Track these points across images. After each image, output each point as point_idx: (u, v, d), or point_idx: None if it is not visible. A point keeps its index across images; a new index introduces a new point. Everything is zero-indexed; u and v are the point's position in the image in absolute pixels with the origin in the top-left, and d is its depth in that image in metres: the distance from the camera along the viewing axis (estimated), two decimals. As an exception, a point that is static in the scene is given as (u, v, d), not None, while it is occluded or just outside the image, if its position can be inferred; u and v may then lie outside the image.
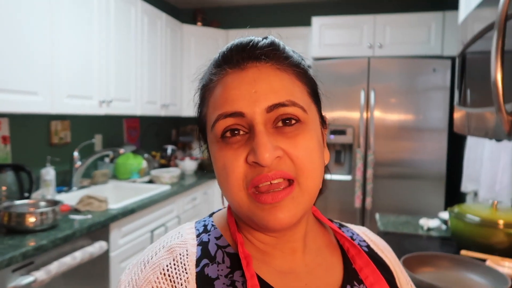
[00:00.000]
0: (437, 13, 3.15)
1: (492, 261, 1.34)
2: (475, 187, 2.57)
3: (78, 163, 2.63)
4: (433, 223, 1.90)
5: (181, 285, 0.50)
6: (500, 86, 0.72)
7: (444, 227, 1.91)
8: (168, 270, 0.51)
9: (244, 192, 0.50)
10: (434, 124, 2.95)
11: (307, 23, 3.62)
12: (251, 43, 0.53)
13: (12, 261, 1.45)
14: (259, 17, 4.04)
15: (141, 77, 2.98)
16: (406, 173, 3.02)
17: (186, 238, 0.55)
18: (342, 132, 3.06)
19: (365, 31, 3.30)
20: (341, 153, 3.19)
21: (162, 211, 2.66)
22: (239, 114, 0.49)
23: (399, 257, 0.69)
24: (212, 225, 0.58)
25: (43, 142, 2.50)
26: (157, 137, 4.00)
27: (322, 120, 0.58)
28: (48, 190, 2.27)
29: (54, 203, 1.91)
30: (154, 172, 3.09)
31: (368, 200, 3.00)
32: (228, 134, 0.50)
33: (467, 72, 1.24)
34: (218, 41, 3.85)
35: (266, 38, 0.55)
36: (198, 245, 0.54)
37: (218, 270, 0.51)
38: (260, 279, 0.52)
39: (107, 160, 3.06)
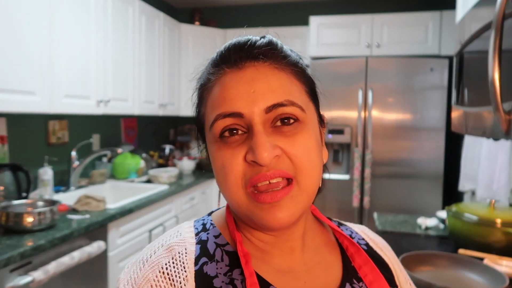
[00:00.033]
0: (435, 12, 3.16)
1: (490, 260, 1.34)
2: (472, 186, 2.58)
3: (76, 163, 2.62)
4: (431, 222, 1.91)
5: (180, 283, 0.50)
6: (498, 85, 0.72)
7: (442, 226, 1.92)
8: (167, 268, 0.51)
9: (242, 191, 0.50)
10: (432, 123, 2.96)
11: (305, 22, 3.62)
12: (249, 43, 0.53)
13: (10, 261, 1.45)
14: (257, 16, 4.04)
15: (139, 77, 2.97)
16: (404, 172, 3.02)
17: (185, 237, 0.55)
18: (340, 132, 3.06)
19: (362, 30, 3.30)
20: (339, 153, 3.20)
21: (160, 211, 2.66)
22: (237, 115, 0.49)
23: (397, 256, 0.69)
24: (211, 224, 0.58)
25: (41, 142, 2.50)
26: (155, 136, 3.99)
27: (320, 119, 0.58)
28: (46, 190, 2.27)
29: (52, 203, 1.91)
30: (152, 172, 3.09)
31: (366, 200, 3.01)
32: (226, 133, 0.50)
33: (464, 72, 1.24)
34: (216, 40, 3.85)
35: (263, 37, 0.55)
36: (197, 243, 0.54)
37: (217, 268, 0.51)
38: (259, 277, 0.52)
39: (105, 159, 3.06)
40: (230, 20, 4.10)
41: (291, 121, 0.50)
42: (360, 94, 3.00)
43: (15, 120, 2.26)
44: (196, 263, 0.52)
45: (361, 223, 3.03)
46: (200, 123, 0.57)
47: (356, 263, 0.59)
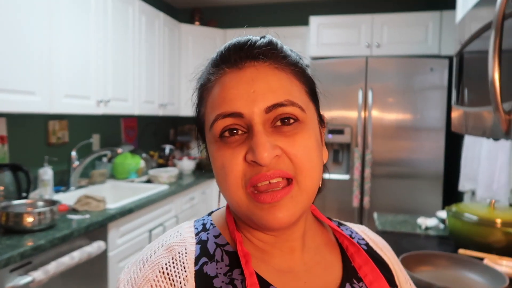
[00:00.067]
0: (435, 12, 3.16)
1: (490, 260, 1.34)
2: (472, 186, 2.58)
3: (76, 163, 2.62)
4: (431, 222, 1.91)
5: (180, 283, 0.50)
6: (498, 85, 0.72)
7: (442, 226, 1.92)
8: (167, 268, 0.51)
9: (242, 191, 0.50)
10: (432, 123, 2.96)
11: (305, 22, 3.62)
12: (249, 43, 0.53)
13: (10, 261, 1.45)
14: (257, 16, 4.04)
15: (139, 77, 2.97)
16: (404, 172, 3.02)
17: (185, 237, 0.55)
18: (340, 132, 3.06)
19: (363, 30, 3.30)
20: (339, 153, 3.20)
21: (160, 211, 2.66)
22: (237, 115, 0.49)
23: (397, 256, 0.69)
24: (211, 224, 0.58)
25: (41, 142, 2.50)
26: (155, 136, 3.99)
27: (320, 119, 0.58)
28: (46, 190, 2.27)
29: (52, 203, 1.91)
30: (152, 172, 3.09)
31: (366, 200, 3.01)
32: (226, 133, 0.50)
33: (464, 72, 1.24)
34: (215, 40, 3.85)
35: (263, 37, 0.55)
36: (197, 243, 0.54)
37: (217, 268, 0.51)
38: (259, 277, 0.52)
39: (105, 159, 3.06)
40: (230, 20, 4.10)
41: (291, 121, 0.50)
42: (360, 94, 3.00)
43: (15, 120, 2.26)
44: (196, 263, 0.52)
45: (361, 223, 3.03)
46: (200, 123, 0.57)
47: (356, 263, 0.59)
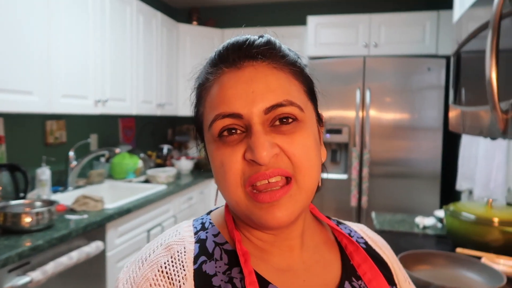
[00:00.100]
0: (432, 12, 3.16)
1: (488, 259, 1.35)
2: (470, 186, 2.59)
3: (74, 163, 2.62)
4: (428, 221, 1.91)
5: (179, 282, 0.50)
6: (495, 84, 0.73)
7: (439, 225, 1.92)
8: (166, 267, 0.51)
9: (241, 190, 0.50)
10: (429, 123, 2.97)
11: (303, 22, 3.62)
12: (247, 42, 0.53)
13: (8, 262, 1.45)
14: (255, 16, 4.04)
15: (137, 77, 2.97)
16: (402, 172, 3.03)
17: (184, 236, 0.55)
18: (338, 131, 3.07)
19: (360, 30, 3.30)
20: (337, 152, 3.20)
21: (158, 211, 2.66)
22: (237, 116, 0.49)
23: (395, 255, 0.69)
24: (210, 223, 0.58)
25: (39, 142, 2.49)
26: (152, 136, 3.99)
27: (319, 118, 0.58)
28: (43, 190, 2.26)
29: (50, 203, 1.90)
30: (150, 172, 3.09)
31: (364, 199, 3.01)
32: (225, 133, 0.50)
33: (462, 71, 1.25)
34: (213, 40, 3.85)
35: (262, 36, 0.55)
36: (195, 242, 0.54)
37: (216, 267, 0.52)
38: (258, 276, 0.52)
39: (102, 159, 3.05)
40: (228, 20, 4.10)
41: (290, 120, 0.50)
42: (358, 93, 3.00)
43: (13, 120, 2.26)
44: (195, 262, 0.52)
45: (359, 222, 3.02)
46: (198, 123, 0.57)
47: (355, 261, 0.59)
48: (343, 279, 0.57)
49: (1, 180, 2.00)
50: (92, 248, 1.88)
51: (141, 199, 2.44)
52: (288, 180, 0.50)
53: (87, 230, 1.88)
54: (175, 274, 0.50)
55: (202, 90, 0.55)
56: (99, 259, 2.01)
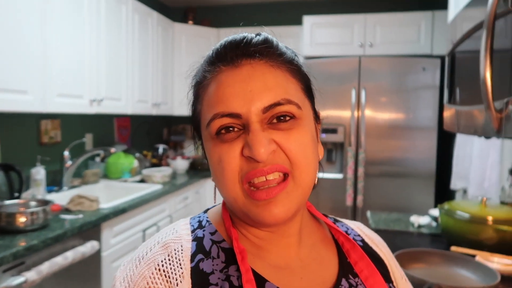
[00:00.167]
0: (427, 12, 3.18)
1: (482, 257, 1.36)
2: (464, 185, 2.61)
3: (69, 163, 2.61)
4: (423, 220, 1.93)
5: (176, 280, 0.50)
6: (489, 84, 0.73)
7: (434, 224, 1.94)
8: (163, 265, 0.51)
9: (239, 186, 0.50)
10: (424, 122, 2.98)
11: (299, 22, 3.63)
12: (244, 40, 0.53)
13: (3, 262, 1.44)
14: (250, 15, 4.04)
15: (132, 76, 2.96)
16: (397, 171, 3.04)
17: (181, 234, 0.55)
18: (333, 131, 3.08)
19: (356, 30, 3.32)
20: (332, 152, 3.21)
21: (154, 211, 2.65)
22: (235, 115, 0.49)
23: (391, 252, 0.70)
24: (207, 221, 0.58)
25: (33, 142, 2.48)
26: (148, 136, 3.98)
27: (316, 115, 0.59)
28: (38, 190, 2.25)
29: (45, 202, 1.89)
30: (146, 172, 3.08)
31: (360, 198, 3.03)
32: (223, 131, 0.50)
33: (456, 71, 1.26)
34: (209, 39, 3.84)
35: (259, 35, 0.55)
36: (193, 240, 0.54)
37: (213, 265, 0.52)
38: (255, 274, 0.52)
39: (98, 159, 3.04)
40: (223, 20, 4.10)
41: (288, 118, 0.50)
42: (353, 93, 3.01)
43: (7, 120, 2.24)
44: (192, 260, 0.52)
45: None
46: (196, 121, 0.57)
47: (352, 259, 0.59)
48: (340, 276, 0.57)
49: (-5, 179, 1.99)
50: (87, 248, 1.87)
51: (137, 198, 2.43)
52: (285, 176, 0.50)
53: (82, 230, 1.87)
54: (172, 272, 0.50)
55: (200, 88, 0.55)
56: (94, 259, 2.01)
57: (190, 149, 4.01)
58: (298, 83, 0.54)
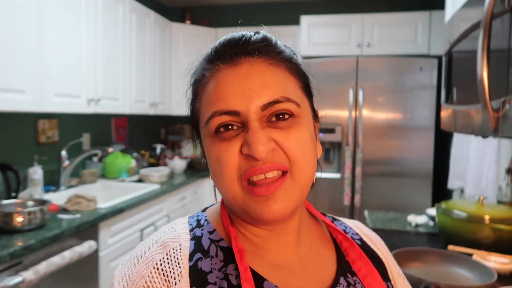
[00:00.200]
0: (424, 12, 3.19)
1: (479, 256, 1.37)
2: (461, 184, 2.62)
3: (66, 162, 2.60)
4: (420, 219, 1.93)
5: (174, 279, 0.50)
6: (486, 83, 0.74)
7: (431, 223, 1.94)
8: (161, 264, 0.51)
9: (238, 184, 0.50)
10: (421, 122, 2.99)
11: (296, 21, 3.63)
12: (243, 38, 0.53)
13: (0, 261, 1.43)
14: (248, 15, 4.03)
15: (130, 76, 2.95)
16: (394, 171, 3.05)
17: (179, 233, 0.55)
18: (331, 131, 3.08)
19: (353, 30, 3.32)
20: (330, 151, 3.22)
21: (151, 210, 2.65)
22: (234, 113, 0.49)
23: (389, 251, 0.70)
24: (205, 220, 0.58)
25: (31, 141, 2.47)
26: (145, 136, 3.97)
27: (315, 113, 0.59)
28: (35, 190, 2.25)
29: (42, 202, 1.89)
30: (143, 171, 3.07)
31: (357, 198, 3.03)
32: (222, 129, 0.51)
33: (453, 71, 1.26)
34: (207, 39, 3.84)
35: (258, 33, 0.55)
36: (191, 239, 0.54)
37: (211, 264, 0.52)
38: (254, 272, 0.52)
39: (95, 159, 3.03)
40: (221, 19, 4.10)
41: (286, 116, 0.51)
42: (351, 93, 3.01)
43: (4, 119, 2.23)
44: (190, 259, 0.52)
45: (352, 221, 3.04)
46: (195, 119, 0.57)
47: (350, 257, 0.60)
48: (338, 275, 0.57)
49: (-8, 179, 1.98)
50: (85, 247, 1.87)
51: (134, 198, 2.43)
52: (284, 173, 0.50)
53: (79, 229, 1.87)
54: (170, 271, 0.50)
55: (198, 86, 0.55)
56: (92, 259, 2.00)
57: (187, 149, 4.01)
58: (297, 81, 0.55)
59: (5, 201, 1.86)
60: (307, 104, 0.56)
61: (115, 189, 2.82)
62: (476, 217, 1.47)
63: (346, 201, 3.06)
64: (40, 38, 2.01)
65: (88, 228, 1.95)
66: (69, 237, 1.82)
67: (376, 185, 3.06)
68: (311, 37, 3.40)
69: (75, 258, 1.79)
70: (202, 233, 0.56)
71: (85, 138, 3.00)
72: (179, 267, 0.51)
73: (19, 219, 1.68)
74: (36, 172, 2.25)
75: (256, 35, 0.54)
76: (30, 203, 1.90)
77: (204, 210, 0.62)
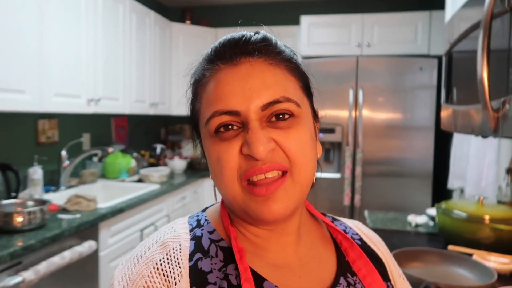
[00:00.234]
0: (424, 12, 3.19)
1: (479, 256, 1.37)
2: (461, 184, 2.62)
3: (66, 162, 2.60)
4: (420, 219, 1.93)
5: (174, 279, 0.50)
6: (486, 84, 0.74)
7: (431, 223, 1.94)
8: (161, 264, 0.51)
9: (238, 184, 0.50)
10: (421, 122, 2.99)
11: (296, 21, 3.63)
12: (243, 38, 0.53)
13: (0, 261, 1.43)
14: (248, 15, 4.03)
15: (130, 76, 2.95)
16: (394, 171, 3.05)
17: (179, 233, 0.55)
18: (331, 131, 3.08)
19: (353, 30, 3.32)
20: (330, 151, 3.22)
21: (151, 210, 2.65)
22: (234, 113, 0.49)
23: (389, 251, 0.70)
24: (205, 220, 0.58)
25: (31, 141, 2.47)
26: (145, 136, 3.97)
27: (315, 113, 0.59)
28: (35, 190, 2.25)
29: (42, 202, 1.89)
30: (143, 171, 3.07)
31: (357, 198, 3.03)
32: (222, 129, 0.51)
33: (453, 71, 1.26)
34: (207, 39, 3.84)
35: (258, 33, 0.55)
36: (191, 239, 0.54)
37: (211, 264, 0.52)
38: (254, 272, 0.52)
39: (95, 159, 3.03)
40: (221, 19, 4.10)
41: (286, 116, 0.51)
42: (351, 93, 3.01)
43: (4, 119, 2.23)
44: (190, 259, 0.52)
45: (352, 221, 3.04)
46: (195, 119, 0.57)
47: (350, 257, 0.60)
48: (338, 275, 0.57)
49: (-8, 179, 1.98)
50: (85, 247, 1.87)
51: (134, 198, 2.43)
52: (284, 173, 0.50)
53: (79, 229, 1.87)
54: (170, 271, 0.50)
55: (198, 86, 0.55)
56: (92, 259, 2.00)
57: (187, 149, 4.01)
58: (297, 81, 0.55)
59: (5, 201, 1.86)
60: (307, 104, 0.56)
61: (115, 189, 2.82)
62: (476, 217, 1.47)
63: (346, 201, 3.06)
64: (40, 38, 2.01)
65: (88, 228, 1.95)
66: (69, 237, 1.82)
67: (376, 185, 3.06)
68: (311, 37, 3.40)
69: (75, 258, 1.79)
70: (202, 233, 0.55)
71: (85, 138, 3.00)
72: (179, 267, 0.51)
73: (19, 219, 1.68)
74: (36, 172, 2.25)
75: (256, 35, 0.54)
76: (30, 203, 1.90)
77: (204, 210, 0.62)
